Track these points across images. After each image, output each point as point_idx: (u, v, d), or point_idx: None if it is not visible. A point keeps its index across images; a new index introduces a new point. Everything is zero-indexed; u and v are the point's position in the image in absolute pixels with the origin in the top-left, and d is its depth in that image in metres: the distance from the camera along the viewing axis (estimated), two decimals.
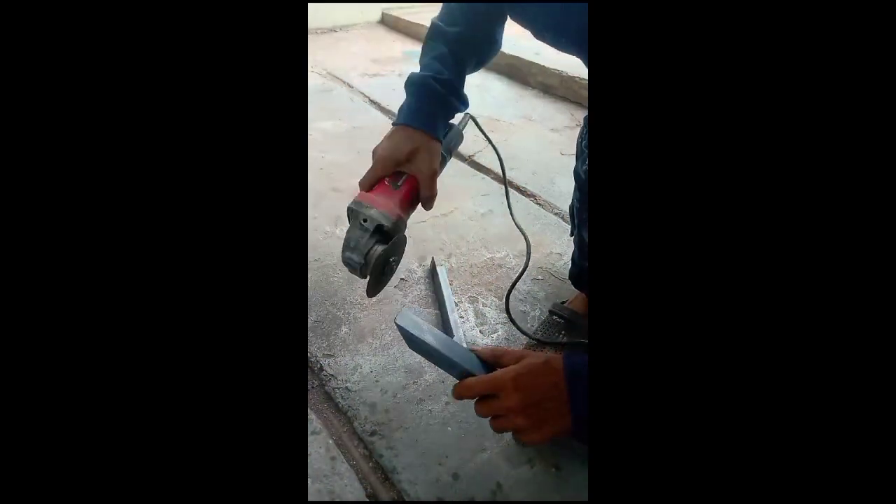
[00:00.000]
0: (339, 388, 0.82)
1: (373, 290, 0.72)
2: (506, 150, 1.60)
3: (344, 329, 0.93)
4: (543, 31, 0.65)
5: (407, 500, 0.68)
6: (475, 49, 0.76)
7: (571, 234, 0.98)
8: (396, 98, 1.91)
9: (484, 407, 0.56)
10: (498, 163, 0.87)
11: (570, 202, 0.98)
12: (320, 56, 2.37)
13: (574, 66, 2.01)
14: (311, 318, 0.95)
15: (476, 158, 1.52)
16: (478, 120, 0.84)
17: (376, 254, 0.65)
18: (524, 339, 0.92)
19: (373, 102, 1.92)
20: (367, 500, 0.67)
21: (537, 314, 0.99)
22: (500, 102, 1.97)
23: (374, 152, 0.73)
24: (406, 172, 0.72)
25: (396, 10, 2.95)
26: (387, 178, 0.72)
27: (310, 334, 0.91)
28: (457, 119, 0.81)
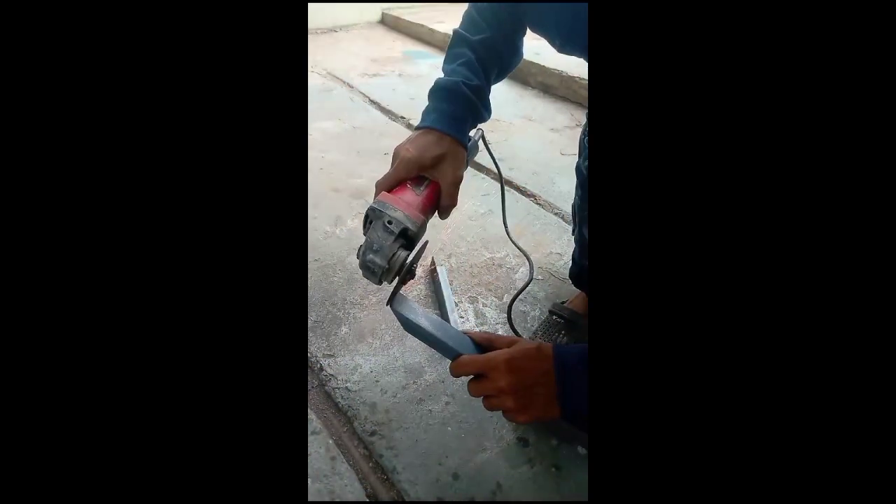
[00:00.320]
0: (339, 388, 0.82)
1: (393, 298, 0.69)
2: (506, 150, 1.61)
3: (344, 329, 0.93)
4: (563, 45, 0.64)
5: (407, 500, 0.68)
6: (499, 57, 0.74)
7: (573, 233, 0.98)
8: (396, 98, 1.94)
9: (477, 387, 0.59)
10: (505, 167, 0.85)
11: (570, 202, 0.98)
12: (320, 56, 2.37)
13: (574, 66, 2.01)
14: (311, 318, 0.95)
15: (476, 158, 1.52)
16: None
17: (400, 259, 0.61)
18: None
19: (373, 102, 1.92)
20: (367, 500, 0.67)
21: (537, 314, 0.99)
22: (500, 102, 1.96)
23: (397, 153, 0.69)
24: (428, 178, 0.69)
25: (396, 10, 2.95)
26: (409, 182, 0.68)
27: (310, 334, 0.91)
28: (472, 131, 0.80)
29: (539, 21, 0.67)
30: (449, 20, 2.72)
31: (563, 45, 0.65)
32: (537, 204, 1.34)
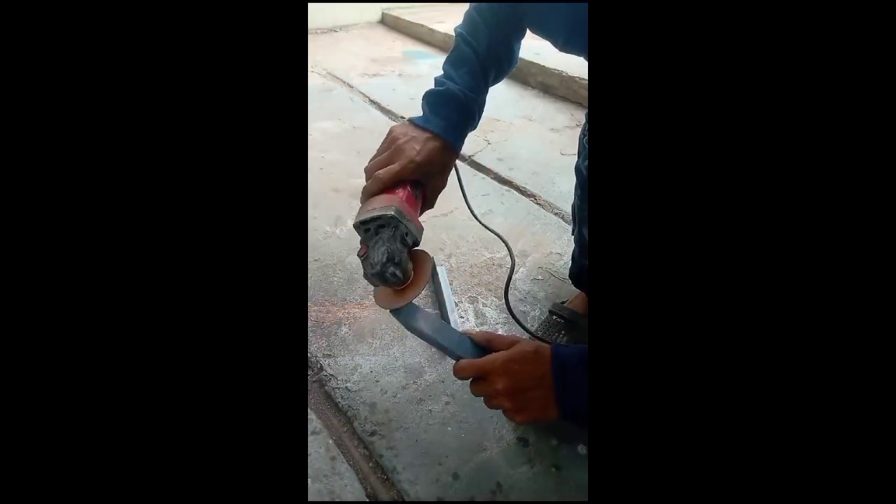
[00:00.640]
0: (339, 388, 0.82)
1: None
2: (506, 149, 1.61)
3: (344, 329, 0.93)
4: (565, 45, 0.65)
5: (407, 500, 0.68)
6: (497, 63, 0.75)
7: (573, 233, 0.98)
8: (396, 98, 1.94)
9: (476, 388, 0.61)
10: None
11: (570, 202, 0.98)
12: (320, 56, 2.38)
13: (574, 66, 2.01)
14: (311, 318, 0.95)
15: (476, 158, 1.52)
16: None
17: (410, 269, 0.63)
18: (526, 337, 0.92)
19: (373, 102, 1.92)
20: (367, 500, 0.67)
21: (537, 314, 0.99)
22: (500, 102, 1.97)
23: (402, 150, 0.67)
24: (423, 183, 0.69)
25: (396, 10, 2.95)
26: (409, 185, 0.67)
27: (310, 334, 0.91)
28: None
29: (540, 21, 0.67)
30: (449, 20, 2.72)
31: (565, 45, 0.65)
32: (537, 204, 1.34)
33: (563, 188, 1.39)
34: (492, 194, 1.34)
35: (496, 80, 0.77)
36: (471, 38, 0.72)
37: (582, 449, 0.74)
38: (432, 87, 0.72)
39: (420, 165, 0.66)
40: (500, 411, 0.59)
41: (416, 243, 0.63)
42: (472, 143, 1.34)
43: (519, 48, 0.77)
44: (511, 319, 0.91)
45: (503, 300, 1.01)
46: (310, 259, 1.10)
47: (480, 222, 0.83)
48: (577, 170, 0.89)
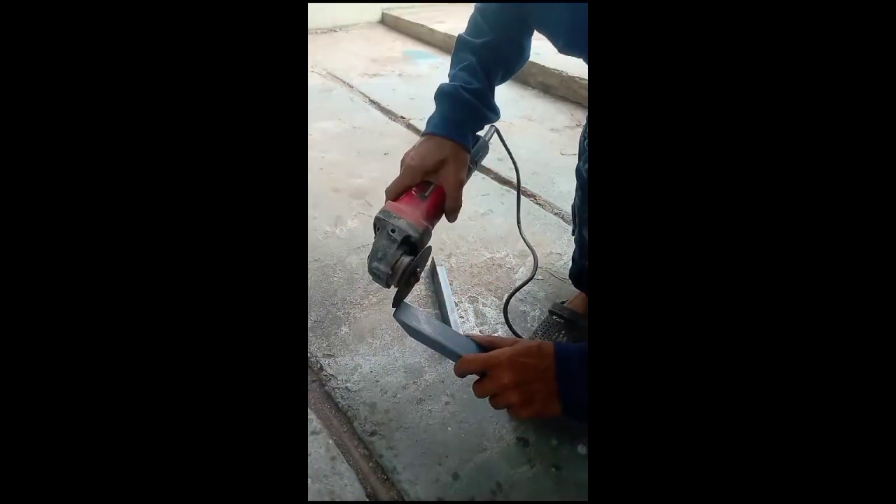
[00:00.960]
0: (339, 388, 0.82)
1: (398, 301, 0.71)
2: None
3: (344, 329, 0.93)
4: (565, 47, 0.65)
5: (407, 500, 0.68)
6: (503, 59, 0.76)
7: (573, 234, 0.98)
8: (396, 98, 1.93)
9: (481, 387, 0.62)
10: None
11: (570, 202, 0.98)
12: (320, 56, 2.37)
13: (574, 66, 2.01)
14: (311, 318, 0.95)
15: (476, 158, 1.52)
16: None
17: (403, 265, 0.65)
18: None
19: (372, 102, 1.92)
20: (367, 500, 0.67)
21: (537, 314, 0.99)
22: (500, 103, 1.95)
23: (403, 161, 0.72)
24: (433, 182, 0.72)
25: (396, 10, 2.95)
26: (414, 188, 0.71)
27: (310, 334, 0.91)
28: (483, 131, 0.80)
29: (543, 21, 0.68)
30: (449, 20, 2.72)
31: (566, 47, 0.65)
32: (537, 204, 1.34)
33: (563, 188, 1.39)
34: (492, 194, 1.34)
35: (509, 74, 0.80)
36: (469, 38, 0.75)
37: (582, 449, 0.74)
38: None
39: (413, 168, 0.70)
40: (500, 411, 0.60)
41: (410, 238, 0.66)
42: None
43: (530, 44, 0.79)
44: (509, 329, 0.91)
45: (503, 301, 1.01)
46: (310, 259, 1.09)
47: (522, 236, 0.88)
48: (578, 172, 0.90)
